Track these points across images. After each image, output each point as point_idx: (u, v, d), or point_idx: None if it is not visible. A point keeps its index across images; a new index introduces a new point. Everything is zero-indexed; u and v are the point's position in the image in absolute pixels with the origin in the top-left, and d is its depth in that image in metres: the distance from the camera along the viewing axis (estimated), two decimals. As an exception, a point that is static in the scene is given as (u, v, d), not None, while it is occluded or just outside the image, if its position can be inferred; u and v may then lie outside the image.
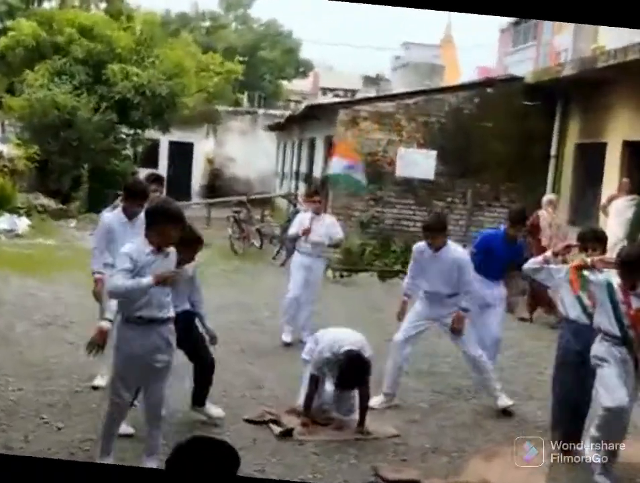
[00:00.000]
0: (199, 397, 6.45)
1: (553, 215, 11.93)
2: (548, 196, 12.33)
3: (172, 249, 5.22)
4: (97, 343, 5.51)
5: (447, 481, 5.65)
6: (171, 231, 5.07)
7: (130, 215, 6.70)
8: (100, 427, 5.46)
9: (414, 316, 7.38)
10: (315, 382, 6.55)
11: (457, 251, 7.28)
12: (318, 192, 10.29)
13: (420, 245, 7.35)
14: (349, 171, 9.82)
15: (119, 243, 5.93)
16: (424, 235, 7.22)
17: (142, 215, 5.61)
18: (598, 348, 5.63)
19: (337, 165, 10.00)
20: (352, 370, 6.29)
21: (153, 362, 5.19)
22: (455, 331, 7.26)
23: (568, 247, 6.48)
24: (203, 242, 6.13)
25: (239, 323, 9.98)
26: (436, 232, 7.13)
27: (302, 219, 9.73)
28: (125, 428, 5.78)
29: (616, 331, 5.58)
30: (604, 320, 5.60)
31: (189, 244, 5.93)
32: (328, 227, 9.68)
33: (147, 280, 4.96)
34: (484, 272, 8.01)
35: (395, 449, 6.28)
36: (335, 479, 5.63)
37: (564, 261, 6.51)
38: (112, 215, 6.95)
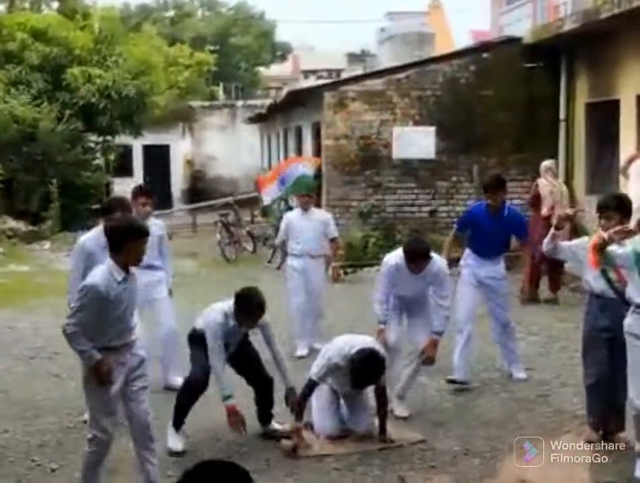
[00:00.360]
0: (264, 416, 6.77)
1: (554, 182, 11.96)
2: (545, 163, 12.32)
3: (135, 270, 5.33)
4: (241, 422, 6.30)
5: (482, 484, 5.65)
6: (140, 247, 5.21)
7: None
8: (83, 471, 5.41)
9: (397, 310, 7.33)
10: (311, 388, 6.52)
11: (436, 263, 7.09)
12: None
13: (397, 262, 7.09)
14: (283, 187, 10.01)
15: None
16: (409, 264, 6.95)
17: None
18: (631, 322, 5.63)
19: (270, 193, 10.20)
20: (365, 366, 6.29)
21: (131, 382, 5.30)
22: (428, 359, 7.16)
23: (567, 218, 6.52)
24: (265, 309, 6.41)
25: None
26: (423, 259, 6.97)
27: (289, 220, 9.66)
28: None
29: None
30: (635, 291, 5.59)
31: (251, 313, 6.35)
32: (322, 223, 9.56)
33: (97, 358, 5.08)
34: (475, 250, 8.09)
35: (422, 455, 6.29)
36: (359, 494, 5.64)
37: (575, 230, 6.55)
38: (90, 238, 6.95)
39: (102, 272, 5.11)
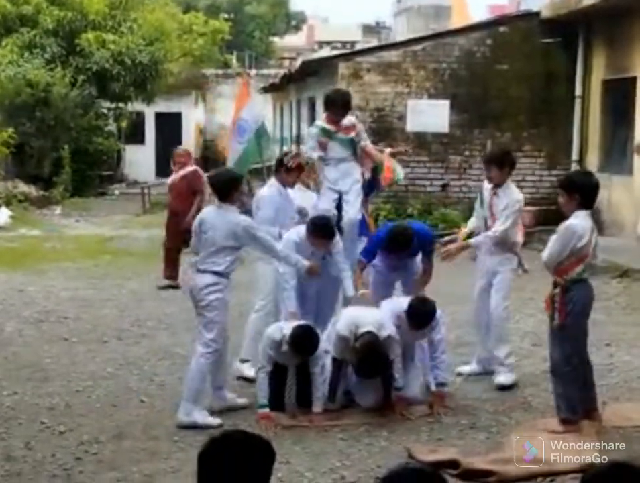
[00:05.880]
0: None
1: None
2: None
3: None
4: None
5: (488, 458, 5.64)
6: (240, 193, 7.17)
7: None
8: (198, 379, 6.28)
9: None
10: (339, 366, 6.52)
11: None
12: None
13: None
14: (243, 138, 9.25)
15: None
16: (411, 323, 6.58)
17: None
18: None
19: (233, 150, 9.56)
20: (369, 362, 6.25)
21: None
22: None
23: None
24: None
25: (251, 303, 9.97)
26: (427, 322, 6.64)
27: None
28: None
29: None
30: None
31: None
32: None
33: (303, 263, 6.77)
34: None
35: (429, 428, 6.30)
36: (365, 465, 5.64)
37: None
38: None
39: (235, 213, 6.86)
